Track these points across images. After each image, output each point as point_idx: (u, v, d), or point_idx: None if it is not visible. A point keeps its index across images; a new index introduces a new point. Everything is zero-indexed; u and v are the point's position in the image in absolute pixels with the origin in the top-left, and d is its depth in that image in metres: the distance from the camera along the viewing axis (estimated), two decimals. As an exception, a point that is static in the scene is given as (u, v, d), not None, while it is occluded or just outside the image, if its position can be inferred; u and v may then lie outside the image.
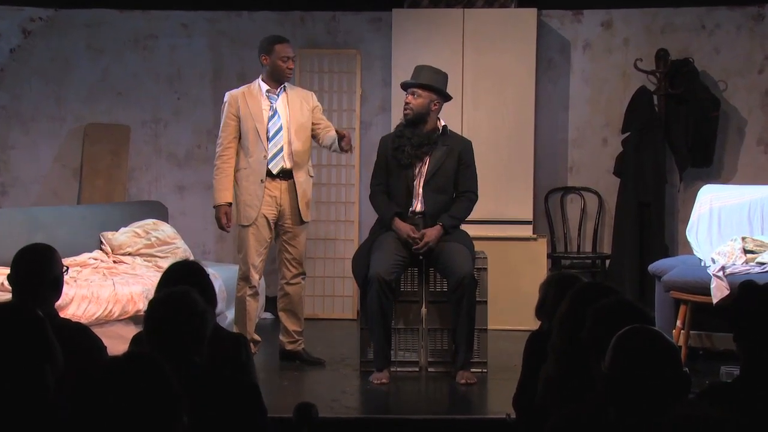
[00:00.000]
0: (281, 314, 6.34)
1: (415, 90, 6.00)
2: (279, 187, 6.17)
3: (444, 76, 6.08)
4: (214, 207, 6.24)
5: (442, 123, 6.10)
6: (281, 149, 6.15)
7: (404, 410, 5.52)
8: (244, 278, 6.20)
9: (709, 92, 7.72)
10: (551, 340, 3.39)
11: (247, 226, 6.15)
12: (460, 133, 6.50)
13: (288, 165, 6.18)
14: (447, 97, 6.08)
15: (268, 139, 6.12)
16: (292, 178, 6.19)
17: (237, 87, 6.41)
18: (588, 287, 3.42)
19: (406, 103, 6.01)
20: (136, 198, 8.10)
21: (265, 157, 6.11)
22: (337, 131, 6.12)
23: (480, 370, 6.04)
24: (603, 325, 2.88)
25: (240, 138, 6.16)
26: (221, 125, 6.21)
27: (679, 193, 7.89)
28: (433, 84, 6.00)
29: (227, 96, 6.24)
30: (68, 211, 7.25)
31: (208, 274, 3.89)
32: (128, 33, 8.13)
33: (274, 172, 6.14)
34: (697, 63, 7.76)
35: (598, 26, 8.02)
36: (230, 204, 6.18)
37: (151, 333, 3.11)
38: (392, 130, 6.34)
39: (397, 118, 6.77)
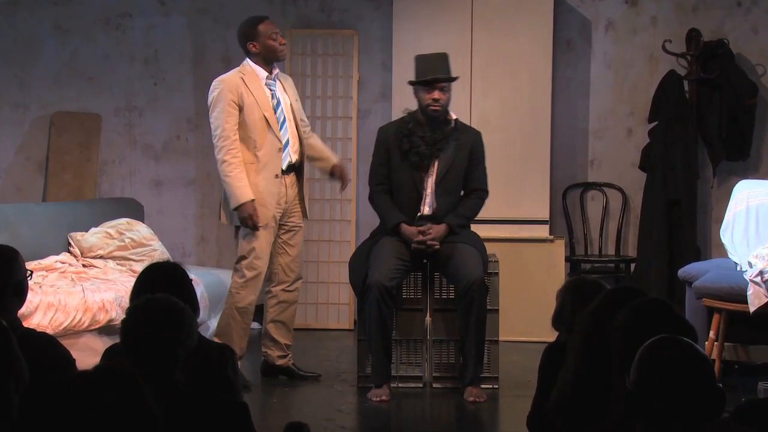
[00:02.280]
0: (271, 325, 6.27)
1: (444, 85, 5.98)
2: (284, 183, 6.14)
3: None
4: (234, 209, 5.96)
5: (454, 116, 6.09)
6: (288, 141, 6.13)
7: (406, 430, 5.53)
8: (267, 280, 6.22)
9: (745, 77, 7.72)
10: (569, 348, 3.39)
11: (261, 227, 6.03)
12: (469, 124, 6.50)
13: (294, 159, 6.17)
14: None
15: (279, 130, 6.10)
16: (295, 172, 6.19)
17: (220, 72, 6.37)
18: (620, 290, 3.42)
19: (435, 100, 5.94)
20: (108, 195, 8.10)
21: (279, 149, 6.05)
22: (333, 167, 6.28)
23: (490, 385, 6.05)
24: (634, 331, 2.87)
25: (240, 129, 6.02)
26: (222, 115, 5.96)
27: (713, 189, 7.89)
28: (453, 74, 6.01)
29: (220, 83, 6.05)
30: (32, 209, 7.25)
31: (191, 279, 3.90)
32: (99, 11, 8.12)
33: (283, 167, 6.11)
34: (732, 44, 7.76)
35: (623, 3, 8.02)
36: (253, 200, 6.01)
37: (128, 346, 3.09)
38: (392, 118, 6.32)
39: (398, 105, 6.77)
